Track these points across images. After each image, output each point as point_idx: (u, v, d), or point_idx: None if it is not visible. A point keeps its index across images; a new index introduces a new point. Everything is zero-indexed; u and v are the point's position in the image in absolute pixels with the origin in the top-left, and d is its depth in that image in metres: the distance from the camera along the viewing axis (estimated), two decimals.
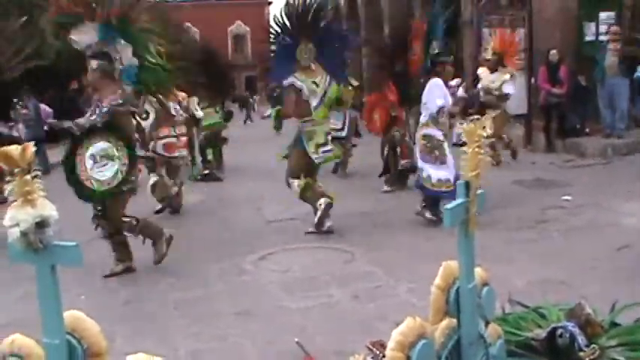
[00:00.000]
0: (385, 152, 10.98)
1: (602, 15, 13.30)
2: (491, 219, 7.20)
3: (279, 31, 7.81)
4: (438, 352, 2.63)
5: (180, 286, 6.13)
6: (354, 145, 12.81)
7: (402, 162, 10.48)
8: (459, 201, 2.68)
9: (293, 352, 4.05)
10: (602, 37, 13.06)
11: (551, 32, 13.39)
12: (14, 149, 2.26)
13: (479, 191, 2.73)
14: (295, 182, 7.83)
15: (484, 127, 2.66)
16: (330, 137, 8.04)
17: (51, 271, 2.31)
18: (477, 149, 2.67)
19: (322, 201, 7.70)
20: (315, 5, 7.71)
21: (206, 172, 12.80)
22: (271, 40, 7.91)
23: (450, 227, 2.66)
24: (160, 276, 6.41)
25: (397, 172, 10.63)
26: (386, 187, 10.52)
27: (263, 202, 10.09)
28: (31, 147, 2.27)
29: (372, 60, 11.26)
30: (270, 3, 60.24)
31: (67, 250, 2.29)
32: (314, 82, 7.73)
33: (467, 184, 2.69)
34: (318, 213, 7.70)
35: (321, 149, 7.81)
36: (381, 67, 10.64)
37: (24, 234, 2.24)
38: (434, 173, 7.84)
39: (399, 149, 10.61)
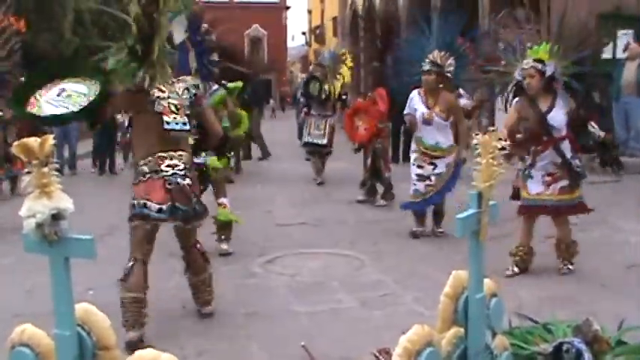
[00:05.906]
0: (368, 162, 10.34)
1: (621, 32, 13.25)
2: (503, 231, 7.18)
3: None
4: None
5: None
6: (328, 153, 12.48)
7: (386, 175, 10.04)
8: (471, 211, 2.69)
9: (299, 356, 4.06)
10: (619, 55, 13.00)
11: None
12: (33, 141, 2.29)
13: (491, 202, 2.73)
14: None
15: (499, 139, 2.68)
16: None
17: (64, 263, 2.33)
18: (490, 160, 2.68)
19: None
20: None
21: None
22: None
23: (461, 237, 2.67)
24: (169, 275, 6.43)
25: (371, 184, 10.19)
26: (361, 197, 10.15)
27: (274, 206, 10.11)
28: (51, 139, 2.30)
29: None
30: (287, 7, 60.22)
31: (82, 242, 2.32)
32: None
33: (479, 195, 2.70)
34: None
35: None
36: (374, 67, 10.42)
37: (39, 225, 2.27)
38: None
39: (382, 162, 10.09)
